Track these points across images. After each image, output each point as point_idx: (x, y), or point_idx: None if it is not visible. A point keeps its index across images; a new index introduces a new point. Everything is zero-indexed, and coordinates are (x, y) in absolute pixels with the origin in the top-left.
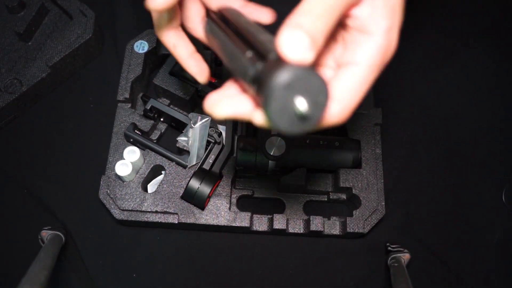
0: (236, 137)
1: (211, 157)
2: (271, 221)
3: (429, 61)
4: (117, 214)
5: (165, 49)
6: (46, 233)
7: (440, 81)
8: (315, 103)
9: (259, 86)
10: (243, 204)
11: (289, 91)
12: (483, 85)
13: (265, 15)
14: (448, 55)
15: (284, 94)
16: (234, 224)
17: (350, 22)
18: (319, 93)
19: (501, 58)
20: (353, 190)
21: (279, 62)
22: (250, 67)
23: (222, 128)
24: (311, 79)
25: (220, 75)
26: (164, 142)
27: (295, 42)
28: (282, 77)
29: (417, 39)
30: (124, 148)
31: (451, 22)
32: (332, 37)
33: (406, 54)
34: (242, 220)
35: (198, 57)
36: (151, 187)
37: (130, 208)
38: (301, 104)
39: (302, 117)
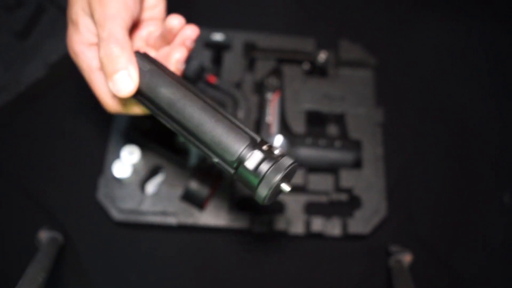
0: None
1: None
2: (271, 222)
3: (434, 60)
4: (116, 214)
5: None
6: (44, 234)
7: (443, 80)
8: (290, 181)
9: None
10: (242, 204)
11: (280, 181)
12: (486, 85)
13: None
14: (451, 54)
15: (277, 184)
16: (234, 225)
17: None
18: (293, 173)
19: (507, 59)
20: (354, 190)
21: (271, 157)
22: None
23: None
24: (292, 167)
25: (218, 74)
26: (163, 142)
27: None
28: (279, 175)
29: (420, 38)
30: (123, 148)
31: (453, 21)
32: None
33: (408, 53)
34: (242, 221)
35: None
36: (150, 187)
37: (129, 209)
38: (286, 187)
39: (282, 192)
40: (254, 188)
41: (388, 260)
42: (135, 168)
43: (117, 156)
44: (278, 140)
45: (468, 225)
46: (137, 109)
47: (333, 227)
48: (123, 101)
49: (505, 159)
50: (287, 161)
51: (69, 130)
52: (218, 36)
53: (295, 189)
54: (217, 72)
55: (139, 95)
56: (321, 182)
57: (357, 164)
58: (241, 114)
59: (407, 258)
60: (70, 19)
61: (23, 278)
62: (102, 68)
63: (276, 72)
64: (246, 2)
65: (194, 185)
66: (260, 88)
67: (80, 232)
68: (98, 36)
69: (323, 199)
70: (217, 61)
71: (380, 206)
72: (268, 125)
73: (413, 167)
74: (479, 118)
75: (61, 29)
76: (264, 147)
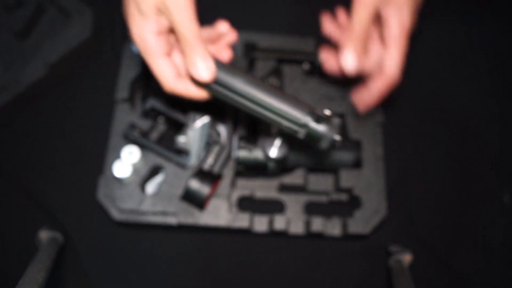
0: (236, 137)
1: (211, 157)
2: (271, 222)
3: (434, 60)
4: (116, 214)
5: None
6: (43, 234)
7: (443, 80)
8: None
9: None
10: (243, 204)
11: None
12: (486, 85)
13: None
14: (451, 54)
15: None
16: (234, 225)
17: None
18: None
19: (507, 59)
20: (354, 190)
21: (324, 118)
22: (305, 119)
23: (222, 128)
24: (340, 122)
25: None
26: (163, 142)
27: (353, 58)
28: (335, 131)
29: (419, 38)
30: (123, 148)
31: (453, 21)
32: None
33: (407, 53)
34: (242, 220)
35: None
36: (150, 187)
37: (129, 209)
38: (337, 137)
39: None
40: (317, 141)
41: (388, 260)
42: (135, 168)
43: (117, 156)
44: (278, 141)
45: (468, 225)
46: (203, 93)
47: (333, 227)
48: (185, 85)
49: (505, 159)
50: (337, 120)
51: (69, 130)
52: None
53: (295, 189)
54: None
55: (214, 83)
56: (321, 182)
57: (357, 164)
58: (241, 114)
59: (407, 258)
60: (138, 9)
61: (23, 278)
62: (185, 58)
63: (276, 72)
64: (246, 2)
65: (194, 185)
66: None
67: (80, 232)
68: (181, 34)
69: (323, 199)
70: None
71: (380, 206)
72: (268, 125)
73: (413, 167)
74: (479, 118)
75: (61, 29)
76: (319, 113)
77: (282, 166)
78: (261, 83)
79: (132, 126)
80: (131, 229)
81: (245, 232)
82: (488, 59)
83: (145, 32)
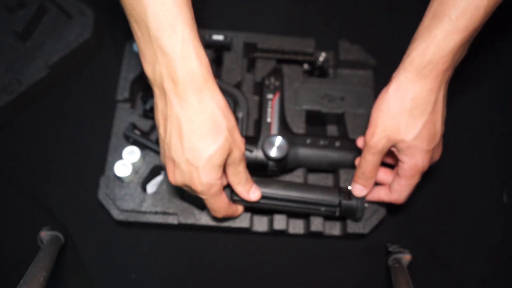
0: None
1: None
2: (271, 222)
3: None
4: (117, 214)
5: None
6: (45, 234)
7: None
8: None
9: (343, 207)
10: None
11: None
12: (486, 85)
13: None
14: None
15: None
16: (234, 225)
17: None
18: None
19: (507, 58)
20: None
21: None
22: (337, 200)
23: None
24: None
25: (218, 76)
26: None
27: (360, 190)
28: (366, 204)
29: None
30: (123, 148)
31: None
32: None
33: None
34: (242, 220)
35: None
36: (151, 187)
37: (129, 209)
38: (367, 205)
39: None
40: (352, 214)
41: (387, 260)
42: (136, 168)
43: (118, 156)
44: (278, 140)
45: (468, 224)
46: (240, 209)
47: (332, 227)
48: (233, 209)
49: (505, 159)
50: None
51: (70, 130)
52: (218, 36)
53: None
54: (217, 72)
55: (261, 198)
56: (321, 182)
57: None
58: (241, 114)
59: (406, 257)
60: (211, 163)
61: (24, 278)
62: (239, 190)
63: (276, 72)
64: (246, 3)
65: None
66: (260, 88)
67: (81, 232)
68: (239, 176)
69: None
70: (217, 61)
71: (380, 206)
72: (268, 125)
73: None
74: (479, 118)
75: (62, 30)
76: (346, 190)
77: (282, 166)
78: (293, 185)
79: (133, 126)
80: (132, 229)
81: (245, 232)
82: (488, 58)
83: (215, 179)
